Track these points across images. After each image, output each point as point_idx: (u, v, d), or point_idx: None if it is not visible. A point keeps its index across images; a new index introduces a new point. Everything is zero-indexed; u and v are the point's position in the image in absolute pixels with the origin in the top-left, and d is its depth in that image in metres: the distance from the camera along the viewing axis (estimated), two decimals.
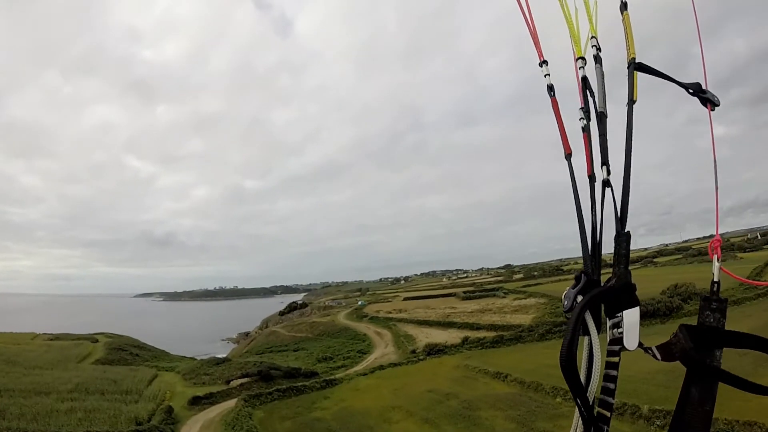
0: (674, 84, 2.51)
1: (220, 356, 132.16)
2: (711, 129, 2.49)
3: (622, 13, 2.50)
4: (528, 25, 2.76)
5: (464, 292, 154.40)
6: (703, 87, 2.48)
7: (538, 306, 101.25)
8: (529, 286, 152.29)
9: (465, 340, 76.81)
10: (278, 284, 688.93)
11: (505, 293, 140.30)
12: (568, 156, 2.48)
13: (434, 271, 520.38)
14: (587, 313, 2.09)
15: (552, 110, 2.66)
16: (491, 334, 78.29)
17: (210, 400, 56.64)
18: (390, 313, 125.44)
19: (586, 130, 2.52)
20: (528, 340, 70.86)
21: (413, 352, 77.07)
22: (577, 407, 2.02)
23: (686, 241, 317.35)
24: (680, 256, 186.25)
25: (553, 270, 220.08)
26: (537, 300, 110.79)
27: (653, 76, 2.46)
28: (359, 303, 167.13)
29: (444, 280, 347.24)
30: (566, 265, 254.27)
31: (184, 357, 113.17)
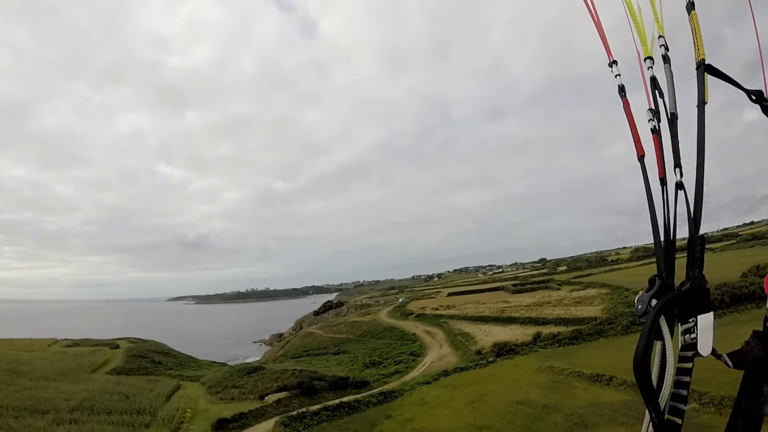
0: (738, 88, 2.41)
1: (252, 360, 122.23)
2: None
3: (689, 13, 2.41)
4: (596, 24, 2.68)
5: (513, 285, 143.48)
6: (766, 95, 2.39)
7: (603, 296, 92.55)
8: (580, 277, 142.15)
9: (537, 336, 66.00)
10: (309, 284, 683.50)
11: (559, 285, 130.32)
12: (641, 158, 2.42)
13: (466, 267, 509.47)
14: (662, 317, 2.04)
15: (624, 112, 2.55)
16: (564, 328, 68.68)
17: (240, 422, 44.15)
18: (437, 309, 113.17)
19: (655, 131, 2.43)
20: (611, 334, 60.86)
21: (479, 353, 65.77)
22: (648, 413, 1.97)
23: (725, 229, 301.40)
24: (734, 241, 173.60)
25: (600, 261, 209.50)
26: (598, 290, 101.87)
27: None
28: (400, 300, 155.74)
29: (479, 275, 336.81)
30: (610, 255, 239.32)
31: (213, 363, 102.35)
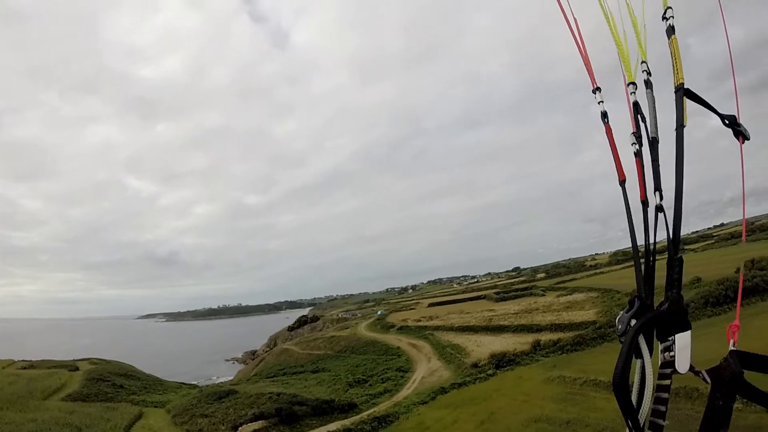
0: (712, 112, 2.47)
1: (224, 380, 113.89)
2: (741, 161, 2.48)
3: (669, 38, 2.47)
4: (580, 51, 2.75)
5: (496, 293, 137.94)
6: (738, 120, 2.47)
7: (593, 300, 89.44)
8: (563, 282, 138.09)
9: (536, 344, 61.73)
10: (283, 300, 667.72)
11: (543, 291, 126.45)
12: (623, 182, 2.48)
13: (440, 279, 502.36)
14: (641, 336, 2.10)
15: (606, 137, 2.64)
16: (562, 334, 65.27)
17: None
18: (419, 321, 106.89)
19: (638, 155, 2.48)
20: (614, 338, 50.56)
21: (475, 365, 59.93)
22: (628, 430, 1.98)
23: (695, 232, 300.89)
24: (711, 241, 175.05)
25: (578, 266, 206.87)
26: (586, 295, 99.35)
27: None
28: (379, 313, 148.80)
29: (455, 285, 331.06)
30: (587, 261, 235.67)
31: (182, 385, 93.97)
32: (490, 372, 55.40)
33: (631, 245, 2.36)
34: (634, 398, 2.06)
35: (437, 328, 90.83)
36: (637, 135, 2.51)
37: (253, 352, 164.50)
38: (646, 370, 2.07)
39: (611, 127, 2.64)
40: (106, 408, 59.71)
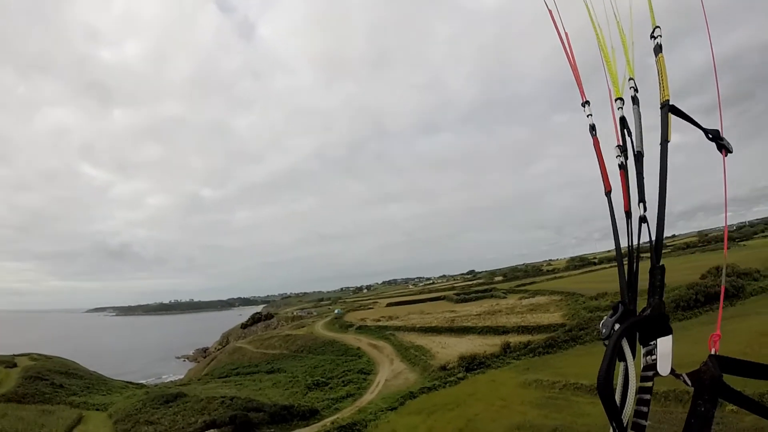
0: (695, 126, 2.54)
1: (174, 379, 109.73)
2: (724, 173, 2.53)
3: (656, 56, 2.53)
4: (571, 65, 2.82)
5: (456, 294, 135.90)
6: (721, 134, 2.52)
7: (557, 303, 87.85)
8: (523, 286, 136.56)
9: (506, 347, 59.01)
10: (236, 296, 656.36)
11: (504, 293, 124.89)
12: (608, 193, 2.53)
13: (395, 279, 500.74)
14: (624, 340, 2.16)
15: (594, 149, 2.69)
16: (530, 337, 63.22)
17: None
18: (379, 321, 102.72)
19: (623, 167, 2.56)
20: (587, 340, 56.50)
21: (444, 368, 56.57)
22: (611, 429, 2.05)
23: (646, 243, 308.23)
24: (669, 250, 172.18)
25: (535, 270, 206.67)
26: (549, 297, 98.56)
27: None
28: (336, 312, 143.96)
29: (411, 286, 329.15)
30: (543, 266, 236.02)
31: (128, 384, 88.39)
32: (460, 375, 52.64)
33: (615, 253, 2.42)
34: (617, 399, 2.10)
35: (398, 328, 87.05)
36: (623, 148, 2.58)
37: (205, 350, 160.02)
38: (629, 373, 2.12)
39: (599, 139, 2.69)
40: (42, 411, 54.48)
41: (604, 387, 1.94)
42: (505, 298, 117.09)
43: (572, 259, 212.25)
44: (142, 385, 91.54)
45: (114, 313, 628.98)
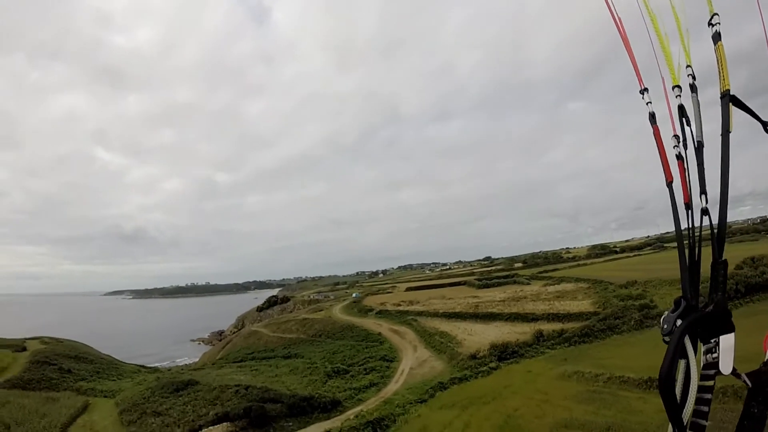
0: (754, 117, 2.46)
1: (188, 363, 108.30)
2: None
3: (715, 44, 2.41)
4: (628, 51, 2.73)
5: (478, 280, 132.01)
6: None
7: (585, 291, 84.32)
8: (546, 272, 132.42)
9: (539, 335, 55.78)
10: (251, 280, 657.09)
11: (528, 280, 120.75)
12: (670, 183, 2.46)
13: (410, 265, 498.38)
14: (686, 337, 2.11)
15: (654, 138, 2.59)
16: (561, 325, 59.59)
17: None
18: (399, 305, 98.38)
19: (680, 158, 2.50)
20: (624, 330, 54.62)
21: (474, 357, 52.27)
22: (670, 428, 2.02)
23: (668, 233, 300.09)
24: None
25: (556, 258, 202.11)
26: (575, 285, 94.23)
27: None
28: (354, 296, 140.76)
29: (427, 272, 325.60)
30: (563, 253, 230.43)
31: (141, 368, 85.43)
32: (492, 365, 48.87)
33: (677, 246, 2.34)
34: (678, 397, 2.03)
35: (420, 313, 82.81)
36: (681, 138, 2.49)
37: (220, 333, 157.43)
38: (691, 371, 2.06)
39: (659, 128, 2.59)
40: (47, 399, 51.08)
41: (666, 385, 1.91)
42: (528, 284, 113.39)
43: (593, 246, 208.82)
44: (155, 369, 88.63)
45: (131, 296, 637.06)
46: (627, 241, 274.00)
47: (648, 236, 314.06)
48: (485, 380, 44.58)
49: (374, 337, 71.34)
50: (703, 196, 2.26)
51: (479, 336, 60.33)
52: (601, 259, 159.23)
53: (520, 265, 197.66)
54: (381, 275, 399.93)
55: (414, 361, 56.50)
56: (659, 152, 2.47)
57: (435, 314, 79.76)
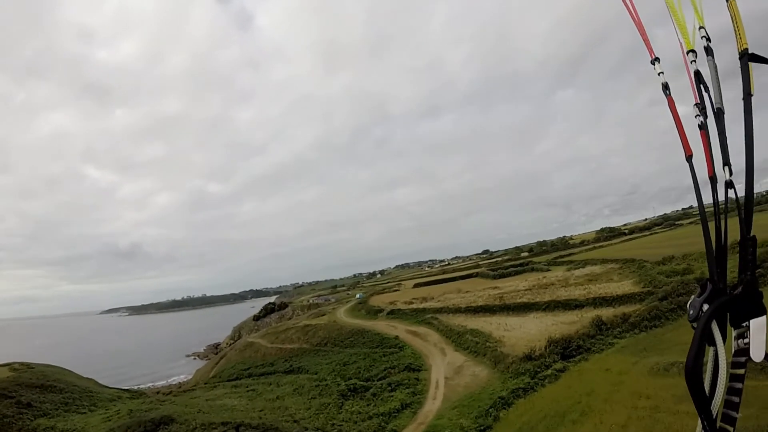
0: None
1: (181, 380, 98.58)
2: None
3: (727, 1, 2.19)
4: (634, 20, 2.52)
5: (492, 270, 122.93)
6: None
7: (619, 271, 75.28)
8: (562, 258, 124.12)
9: (598, 323, 44.50)
10: (247, 289, 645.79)
11: (546, 266, 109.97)
12: (689, 158, 2.23)
13: (407, 263, 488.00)
14: (713, 322, 1.95)
15: (669, 110, 2.38)
16: (611, 310, 49.49)
17: None
18: (411, 303, 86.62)
19: (703, 127, 2.24)
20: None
21: (530, 357, 40.63)
22: (700, 422, 1.90)
23: (665, 215, 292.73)
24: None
25: (565, 243, 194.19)
26: (604, 266, 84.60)
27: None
28: (358, 296, 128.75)
29: (426, 268, 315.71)
30: (571, 239, 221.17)
31: (123, 393, 72.71)
32: (557, 366, 37.70)
33: (701, 224, 2.10)
34: (706, 388, 1.87)
35: (438, 310, 71.02)
36: (701, 106, 2.23)
37: (216, 346, 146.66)
38: (720, 359, 1.88)
39: (674, 99, 2.37)
40: None
41: (693, 375, 1.77)
42: (549, 270, 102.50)
43: (601, 230, 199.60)
44: (139, 394, 76.49)
45: (127, 313, 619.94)
46: (625, 225, 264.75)
47: (646, 219, 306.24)
48: (556, 387, 33.74)
49: (391, 342, 59.27)
50: (727, 168, 2.00)
51: (520, 331, 49.58)
52: (617, 240, 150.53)
53: (526, 254, 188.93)
54: (379, 275, 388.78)
55: (448, 369, 44.96)
56: (676, 125, 2.22)
57: (457, 310, 68.07)
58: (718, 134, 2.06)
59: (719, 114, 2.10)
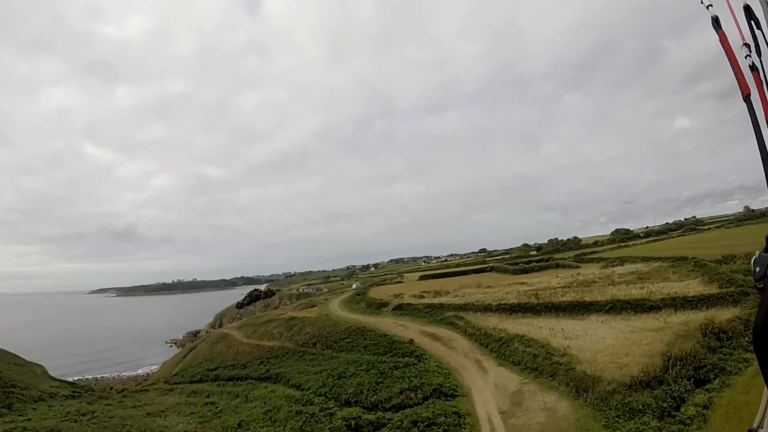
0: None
1: (150, 371, 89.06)
2: None
3: None
4: None
5: (510, 265, 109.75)
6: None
7: (673, 269, 61.48)
8: (585, 255, 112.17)
9: (714, 331, 31.71)
10: (239, 276, 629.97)
11: (576, 263, 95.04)
12: (747, 97, 1.99)
13: (402, 258, 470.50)
14: None
15: (722, 46, 2.13)
16: (702, 313, 37.15)
17: None
18: (422, 297, 70.86)
19: (755, 68, 2.07)
20: None
21: (646, 383, 26.27)
22: (765, 391, 1.79)
23: (666, 223, 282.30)
24: (717, 224, 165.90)
25: (576, 243, 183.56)
26: (649, 265, 69.48)
27: None
28: (354, 287, 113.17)
29: (422, 263, 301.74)
30: (581, 240, 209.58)
31: (62, 389, 58.15)
32: (699, 399, 23.81)
33: (764, 171, 1.79)
34: None
35: (461, 307, 55.14)
36: (753, 45, 2.05)
37: (196, 333, 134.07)
38: None
39: (726, 33, 2.11)
40: None
41: (763, 341, 1.55)
42: (578, 267, 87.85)
43: (616, 231, 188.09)
44: (80, 392, 60.77)
45: (115, 294, 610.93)
46: (625, 233, 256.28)
47: (648, 226, 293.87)
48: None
49: (404, 348, 42.80)
50: None
51: (587, 339, 35.39)
52: (642, 241, 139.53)
53: (534, 252, 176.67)
54: (373, 269, 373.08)
55: (498, 396, 29.47)
56: (730, 61, 1.98)
57: (486, 308, 52.19)
58: None
59: None
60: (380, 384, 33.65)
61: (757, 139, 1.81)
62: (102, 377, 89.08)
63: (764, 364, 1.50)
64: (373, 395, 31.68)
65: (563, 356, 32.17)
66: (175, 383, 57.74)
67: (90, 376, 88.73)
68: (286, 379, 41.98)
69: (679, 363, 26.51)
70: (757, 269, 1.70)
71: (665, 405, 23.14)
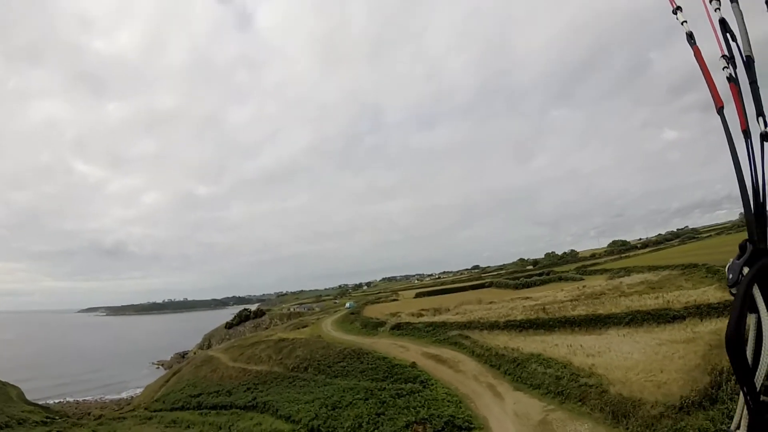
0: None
1: (133, 395, 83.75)
2: None
3: None
4: None
5: (511, 279, 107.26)
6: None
7: (686, 278, 60.02)
8: (586, 267, 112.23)
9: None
10: (231, 295, 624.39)
11: (579, 275, 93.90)
12: (721, 109, 2.01)
13: (394, 276, 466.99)
14: (755, 287, 1.74)
15: (696, 60, 2.18)
16: (718, 323, 33.74)
17: None
18: (421, 315, 66.58)
19: (732, 80, 2.05)
20: None
21: (685, 409, 22.51)
22: (741, 394, 1.73)
23: (659, 234, 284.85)
24: (711, 233, 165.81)
25: (574, 257, 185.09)
26: (657, 273, 68.92)
27: None
28: (347, 305, 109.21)
29: (415, 281, 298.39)
30: (579, 253, 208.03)
31: (34, 414, 56.68)
32: None
33: (737, 183, 1.85)
34: (749, 359, 1.66)
35: (465, 325, 50.76)
36: (728, 57, 2.07)
37: (184, 354, 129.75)
38: (763, 326, 1.66)
39: (700, 48, 2.17)
40: None
41: (735, 345, 1.59)
42: (582, 279, 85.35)
43: (613, 243, 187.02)
44: (54, 417, 56.63)
45: (105, 313, 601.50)
46: (622, 244, 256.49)
47: (641, 238, 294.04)
48: None
49: (406, 372, 38.39)
50: (761, 119, 1.85)
51: (612, 356, 31.61)
52: (642, 252, 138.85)
53: (531, 267, 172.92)
54: (366, 287, 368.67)
55: (519, 425, 26.24)
56: (704, 75, 2.02)
57: (492, 325, 47.80)
58: (750, 84, 1.88)
59: (749, 62, 1.94)
60: (381, 416, 29.31)
61: (731, 152, 1.82)
62: (84, 400, 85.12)
63: (737, 368, 1.57)
64: (374, 430, 27.32)
65: (590, 376, 28.29)
66: (155, 410, 53.51)
67: (72, 399, 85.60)
68: (274, 408, 37.47)
69: (732, 377, 22.46)
70: (731, 276, 1.73)
71: (725, 428, 19.15)
